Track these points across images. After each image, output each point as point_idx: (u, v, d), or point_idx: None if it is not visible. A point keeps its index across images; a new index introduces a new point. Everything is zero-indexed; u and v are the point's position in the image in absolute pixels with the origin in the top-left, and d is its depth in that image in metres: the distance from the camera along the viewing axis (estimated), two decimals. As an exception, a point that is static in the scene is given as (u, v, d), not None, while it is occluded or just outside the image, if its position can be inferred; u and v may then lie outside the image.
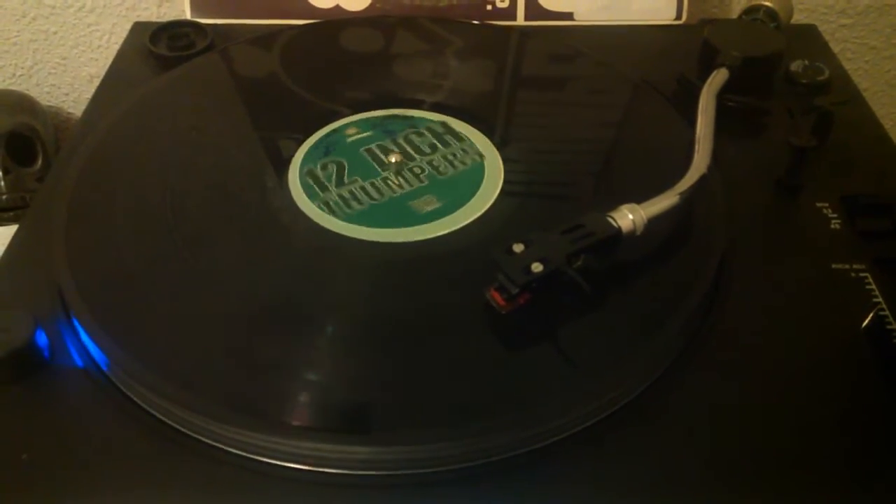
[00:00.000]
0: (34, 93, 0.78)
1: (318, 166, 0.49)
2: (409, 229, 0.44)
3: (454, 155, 0.50)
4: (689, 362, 0.39)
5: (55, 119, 0.79)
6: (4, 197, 0.66)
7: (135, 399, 0.37)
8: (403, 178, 0.48)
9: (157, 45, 0.60)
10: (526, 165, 0.49)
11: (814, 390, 0.37)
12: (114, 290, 0.41)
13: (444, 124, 0.52)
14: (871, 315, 0.41)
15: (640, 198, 0.41)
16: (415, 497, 0.34)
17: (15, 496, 0.34)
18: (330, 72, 0.58)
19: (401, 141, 0.51)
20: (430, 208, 0.46)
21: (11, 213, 0.66)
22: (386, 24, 0.62)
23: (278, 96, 0.55)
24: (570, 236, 0.39)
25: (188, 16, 0.65)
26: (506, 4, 0.65)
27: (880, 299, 0.41)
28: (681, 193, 0.42)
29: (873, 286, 0.42)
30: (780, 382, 0.38)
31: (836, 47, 0.66)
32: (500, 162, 0.49)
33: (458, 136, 0.51)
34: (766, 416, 0.36)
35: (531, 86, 0.57)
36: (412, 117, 0.53)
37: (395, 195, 0.47)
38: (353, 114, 0.53)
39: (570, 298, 0.39)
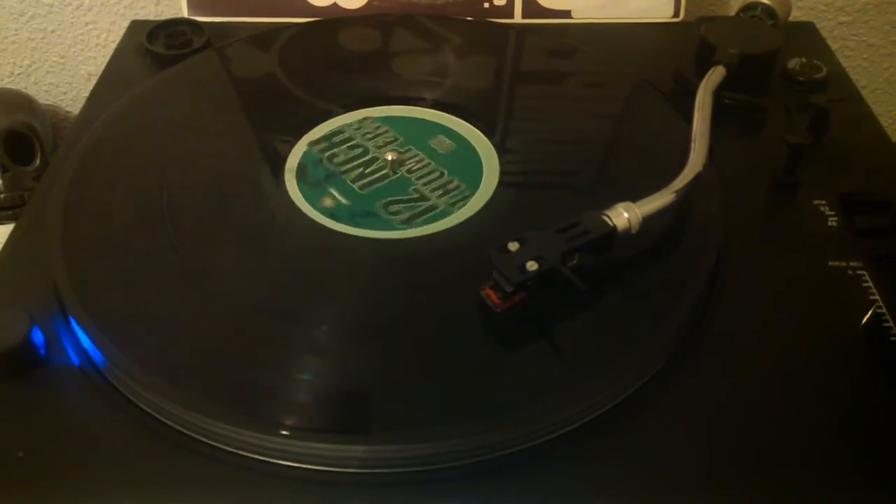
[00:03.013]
0: (32, 91, 0.78)
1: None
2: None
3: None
4: (685, 360, 0.39)
5: (53, 117, 0.79)
6: (2, 195, 0.66)
7: (130, 397, 0.37)
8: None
9: (154, 44, 0.60)
10: (522, 163, 0.49)
11: (811, 388, 0.37)
12: (110, 288, 0.41)
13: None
14: (868, 313, 0.41)
15: (635, 195, 0.41)
16: (412, 495, 0.34)
17: (10, 494, 0.34)
18: (327, 70, 0.58)
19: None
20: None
21: (9, 212, 0.66)
22: (383, 23, 0.62)
23: (275, 94, 0.55)
24: (565, 235, 0.39)
25: (185, 14, 0.65)
26: (503, 2, 0.65)
27: (877, 297, 0.41)
28: (677, 191, 0.42)
29: (870, 283, 0.42)
30: (777, 380, 0.38)
31: (833, 45, 0.66)
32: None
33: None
34: (762, 413, 0.36)
35: (529, 83, 0.57)
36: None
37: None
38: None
39: (565, 297, 0.39)
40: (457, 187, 0.47)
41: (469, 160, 0.49)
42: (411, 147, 0.50)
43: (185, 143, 0.51)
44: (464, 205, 0.46)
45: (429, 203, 0.46)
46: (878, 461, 0.35)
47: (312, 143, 0.50)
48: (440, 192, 0.47)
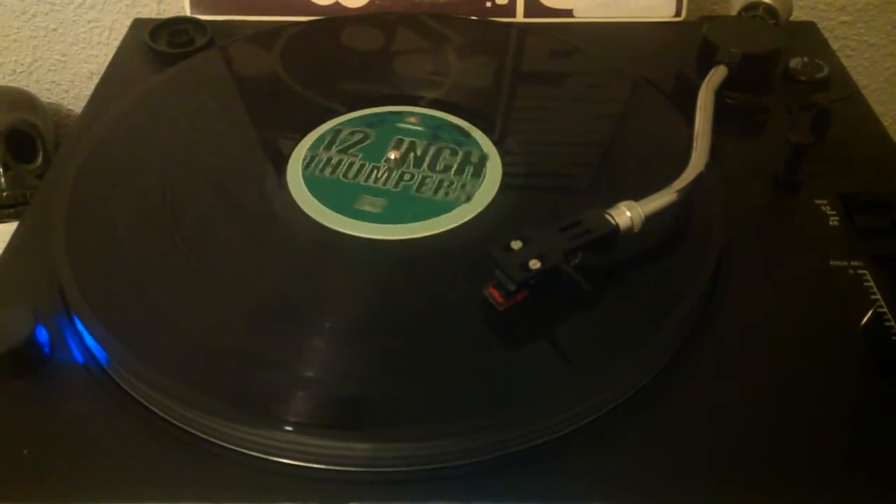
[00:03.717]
0: (34, 89, 0.78)
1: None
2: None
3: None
4: (687, 360, 0.39)
5: (55, 116, 0.79)
6: (5, 194, 0.66)
7: (135, 395, 0.37)
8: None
9: (157, 42, 0.61)
10: (525, 162, 0.49)
11: (812, 387, 0.38)
12: (114, 286, 0.41)
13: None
14: (869, 312, 0.41)
15: (638, 195, 0.41)
16: (414, 494, 0.34)
17: (16, 491, 0.34)
18: (329, 69, 0.58)
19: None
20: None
21: (12, 210, 0.66)
22: (385, 21, 0.62)
23: (278, 93, 0.55)
24: (567, 233, 0.39)
25: (188, 12, 0.65)
26: (505, 1, 0.65)
27: (878, 296, 0.41)
28: (679, 190, 0.42)
29: (871, 283, 0.42)
30: (778, 379, 0.38)
31: (835, 44, 0.66)
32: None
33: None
34: (764, 413, 0.37)
35: (531, 83, 0.57)
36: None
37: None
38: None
39: (567, 295, 0.39)
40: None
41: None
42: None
43: (188, 142, 0.51)
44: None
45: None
46: (879, 460, 0.35)
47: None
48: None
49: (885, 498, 0.34)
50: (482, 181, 0.47)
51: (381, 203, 0.46)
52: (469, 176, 0.48)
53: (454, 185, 0.47)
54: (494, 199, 0.46)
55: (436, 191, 0.47)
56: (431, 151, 0.50)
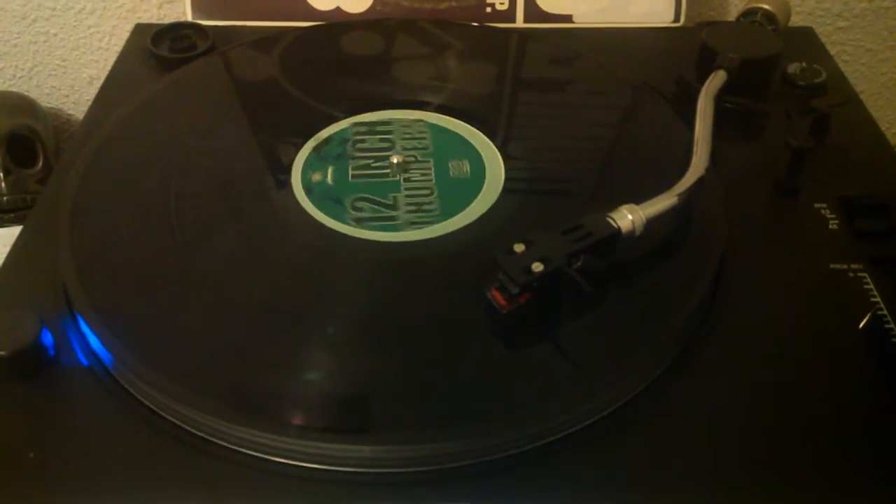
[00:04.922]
0: (34, 94, 0.78)
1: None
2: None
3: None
4: (689, 362, 0.39)
5: (55, 121, 0.79)
6: (5, 198, 0.66)
7: (139, 397, 0.37)
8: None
9: (158, 47, 0.61)
10: (527, 166, 0.49)
11: (812, 389, 0.38)
12: (118, 289, 0.41)
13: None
14: (868, 315, 0.41)
15: (639, 198, 0.42)
16: (416, 495, 0.34)
17: (21, 494, 0.34)
18: (330, 74, 0.58)
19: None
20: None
21: (12, 215, 0.66)
22: (386, 27, 0.63)
23: (279, 98, 0.56)
24: (570, 236, 0.39)
25: (189, 17, 0.65)
26: (505, 7, 0.65)
27: (878, 299, 0.42)
28: (679, 194, 0.42)
29: (871, 286, 0.42)
30: (779, 382, 0.38)
31: (832, 50, 0.67)
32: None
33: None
34: (764, 415, 0.37)
35: (531, 88, 0.58)
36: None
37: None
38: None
39: (570, 298, 0.39)
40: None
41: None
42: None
43: (190, 146, 0.51)
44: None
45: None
46: (878, 462, 0.35)
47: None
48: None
49: (885, 499, 0.34)
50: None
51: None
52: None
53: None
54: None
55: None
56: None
